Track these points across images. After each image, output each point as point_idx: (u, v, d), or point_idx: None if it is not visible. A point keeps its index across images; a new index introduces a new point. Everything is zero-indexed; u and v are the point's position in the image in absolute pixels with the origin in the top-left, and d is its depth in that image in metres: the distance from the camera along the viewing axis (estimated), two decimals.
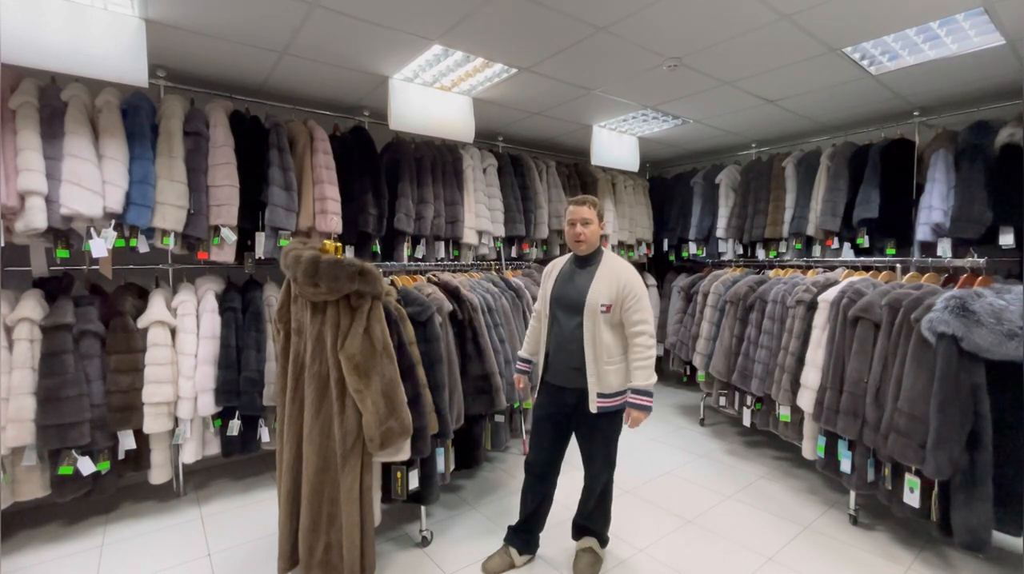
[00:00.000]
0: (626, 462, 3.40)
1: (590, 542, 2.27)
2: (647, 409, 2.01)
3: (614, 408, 2.05)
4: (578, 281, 2.10)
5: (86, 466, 2.39)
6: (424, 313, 2.36)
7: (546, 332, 2.18)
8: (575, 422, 2.14)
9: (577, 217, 2.09)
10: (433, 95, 3.29)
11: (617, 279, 2.04)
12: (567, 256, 2.25)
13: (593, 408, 2.03)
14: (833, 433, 2.55)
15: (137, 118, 2.57)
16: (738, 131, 4.33)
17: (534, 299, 3.18)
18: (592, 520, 2.26)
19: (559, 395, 2.13)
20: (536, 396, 2.24)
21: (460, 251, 3.87)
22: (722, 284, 3.71)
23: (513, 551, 2.28)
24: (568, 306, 2.08)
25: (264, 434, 2.88)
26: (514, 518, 2.33)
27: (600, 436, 2.12)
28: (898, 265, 2.90)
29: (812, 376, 2.66)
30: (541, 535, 2.34)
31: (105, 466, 2.48)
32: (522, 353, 2.40)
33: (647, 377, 2.00)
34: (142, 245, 2.63)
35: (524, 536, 2.29)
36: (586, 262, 2.13)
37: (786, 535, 2.51)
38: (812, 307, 2.81)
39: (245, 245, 2.98)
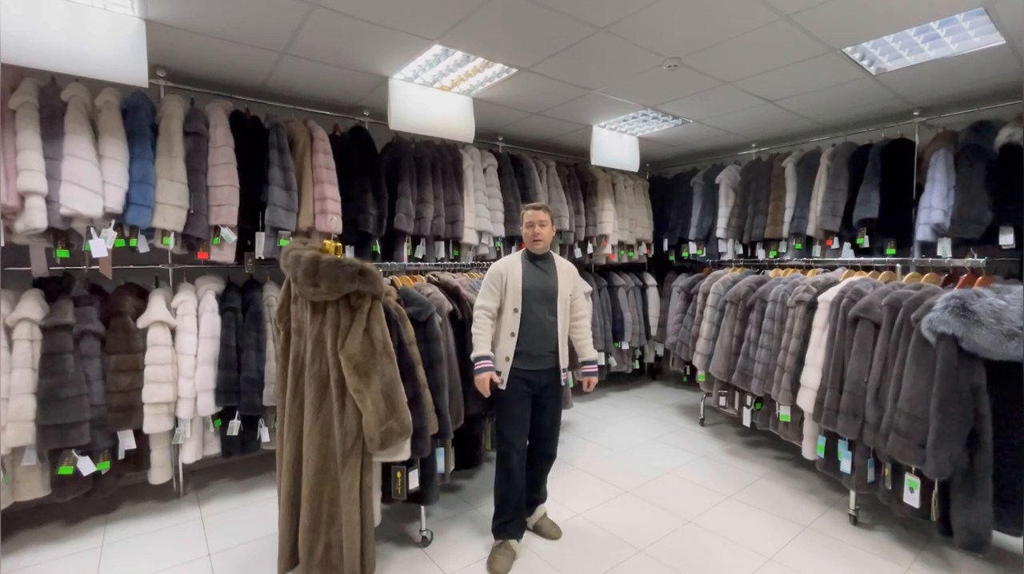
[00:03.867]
0: (626, 462, 3.41)
1: (543, 509, 2.59)
2: (597, 374, 2.55)
3: (567, 379, 2.50)
4: (547, 275, 2.38)
5: (86, 466, 2.39)
6: (424, 313, 2.36)
7: (518, 324, 2.30)
8: (543, 399, 2.38)
9: (535, 219, 2.36)
10: (433, 95, 3.29)
11: (572, 274, 2.48)
12: (514, 257, 2.42)
13: (562, 380, 2.41)
14: (833, 433, 2.55)
15: (137, 118, 2.57)
16: (738, 131, 4.32)
17: None
18: (541, 490, 2.54)
19: (535, 377, 2.32)
20: (506, 385, 2.30)
21: (460, 251, 3.87)
22: (722, 284, 3.71)
23: (513, 543, 2.32)
24: (543, 297, 2.34)
25: (264, 434, 2.88)
26: None
27: (559, 406, 2.49)
28: (898, 265, 2.90)
29: (812, 376, 2.66)
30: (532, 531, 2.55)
31: (105, 466, 2.49)
32: (483, 351, 2.29)
33: (593, 350, 2.56)
34: (142, 245, 2.63)
35: (518, 522, 2.36)
36: (543, 259, 2.42)
37: (786, 535, 2.51)
38: (812, 307, 2.81)
39: (245, 245, 2.98)
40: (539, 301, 2.32)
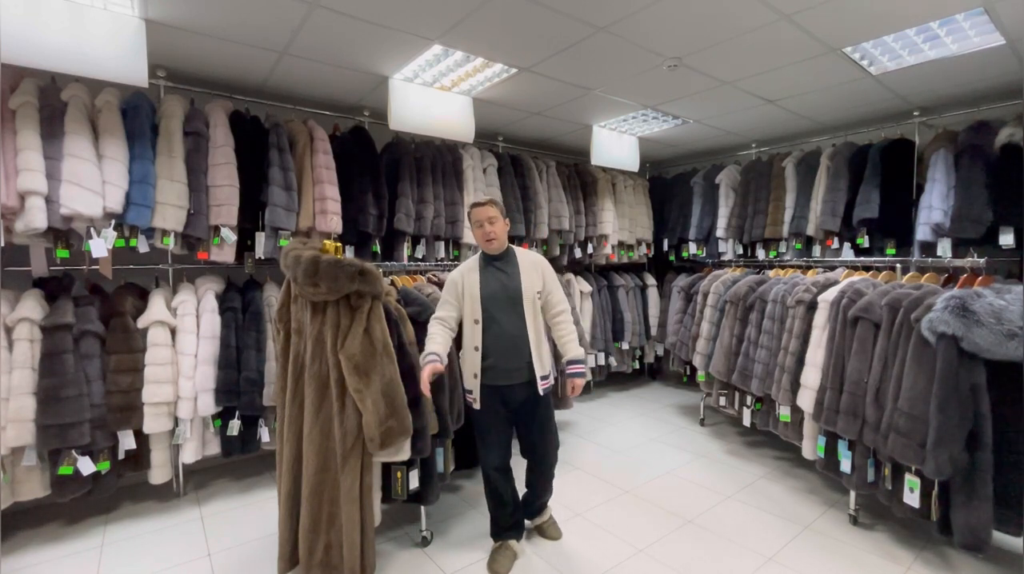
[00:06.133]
0: (626, 462, 3.41)
1: (549, 511, 2.53)
2: (584, 375, 2.27)
3: (550, 387, 2.27)
4: (507, 275, 2.19)
5: (86, 466, 2.39)
6: (424, 313, 2.36)
7: (480, 337, 2.14)
8: (523, 415, 2.24)
9: (483, 217, 2.16)
10: (433, 95, 3.29)
11: (539, 267, 2.25)
12: (470, 262, 2.26)
13: (540, 390, 2.18)
14: (833, 433, 2.55)
15: (137, 118, 2.57)
16: (738, 131, 4.32)
17: None
18: (545, 495, 2.46)
19: (508, 394, 2.18)
20: (479, 403, 2.19)
21: (460, 251, 3.87)
22: (722, 284, 3.70)
23: (513, 543, 2.32)
24: (506, 301, 2.15)
25: (264, 434, 2.89)
26: None
27: (548, 420, 2.30)
28: (898, 265, 2.90)
29: (812, 376, 2.66)
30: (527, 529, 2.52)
31: (105, 466, 2.49)
32: (431, 349, 2.12)
33: (577, 348, 2.25)
34: (142, 245, 2.63)
35: (516, 526, 2.34)
36: (501, 258, 2.22)
37: (786, 535, 2.51)
38: (812, 307, 2.81)
39: (245, 245, 2.98)
40: (502, 307, 2.14)
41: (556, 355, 2.34)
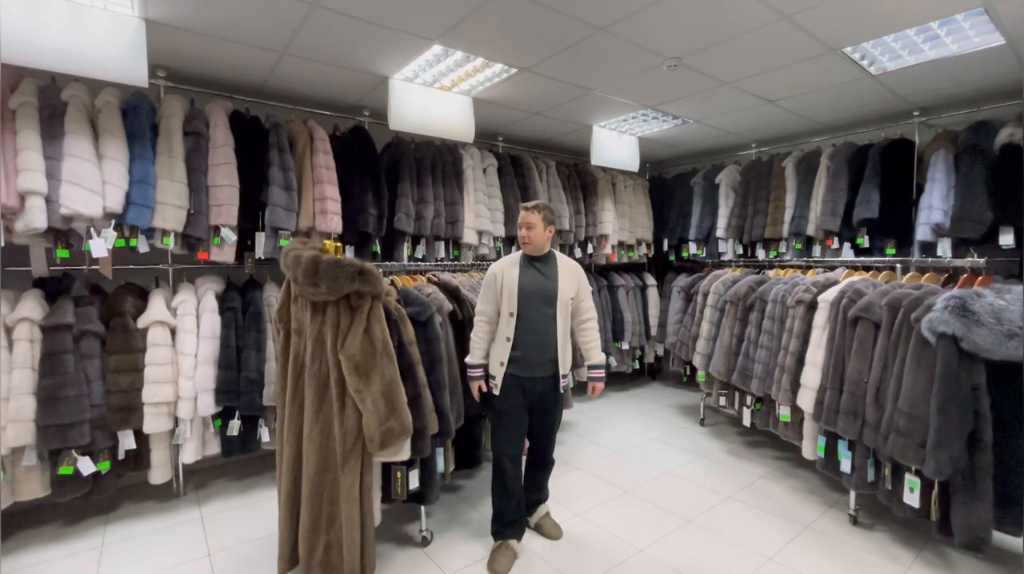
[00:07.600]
0: (626, 462, 3.41)
1: (546, 508, 2.59)
2: (604, 379, 2.45)
3: (566, 385, 2.40)
4: (545, 277, 2.30)
5: (86, 466, 2.39)
6: (424, 313, 2.36)
7: (513, 329, 2.24)
8: (539, 407, 2.33)
9: (523, 222, 2.30)
10: (433, 95, 3.29)
11: (575, 275, 2.37)
12: (512, 257, 2.36)
13: (561, 387, 2.33)
14: (833, 433, 2.55)
15: (137, 118, 2.57)
16: (738, 131, 4.32)
17: None
18: (543, 490, 2.56)
19: (529, 385, 2.27)
20: (500, 391, 2.27)
21: (460, 251, 3.87)
22: (722, 284, 3.71)
23: (513, 543, 2.32)
24: (542, 300, 2.26)
25: (264, 434, 2.89)
26: None
27: (558, 417, 2.46)
28: (898, 265, 2.90)
29: (812, 376, 2.66)
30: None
31: (105, 466, 2.49)
32: (476, 360, 2.35)
33: (600, 354, 2.42)
34: (142, 245, 2.63)
35: (517, 524, 2.35)
36: (542, 261, 2.33)
37: (786, 535, 2.51)
38: (812, 307, 2.81)
39: (245, 245, 2.98)
40: (537, 305, 2.25)
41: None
